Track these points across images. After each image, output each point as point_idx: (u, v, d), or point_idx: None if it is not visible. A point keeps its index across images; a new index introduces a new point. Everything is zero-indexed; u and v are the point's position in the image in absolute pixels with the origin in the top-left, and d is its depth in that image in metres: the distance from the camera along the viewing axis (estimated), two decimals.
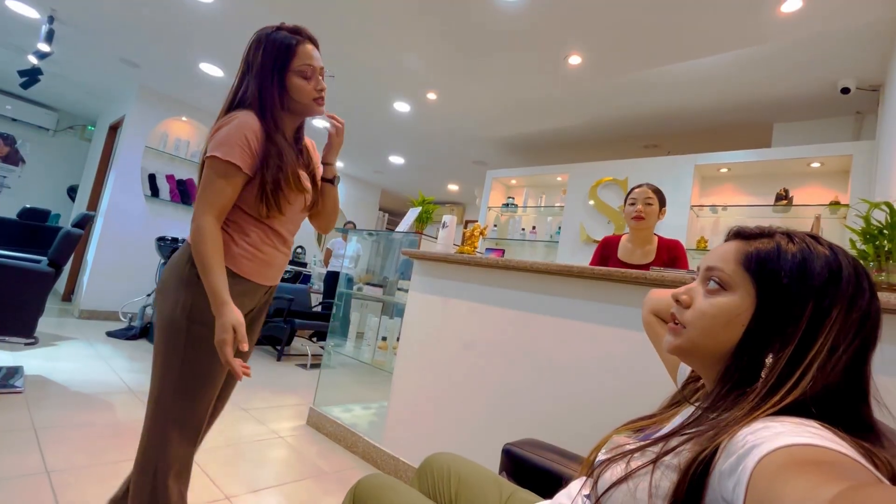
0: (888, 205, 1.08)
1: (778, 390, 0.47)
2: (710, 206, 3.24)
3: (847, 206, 2.62)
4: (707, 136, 3.60)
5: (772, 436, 0.40)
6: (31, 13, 3.29)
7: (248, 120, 0.98)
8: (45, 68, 3.86)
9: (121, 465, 1.66)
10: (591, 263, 2.04)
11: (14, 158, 5.57)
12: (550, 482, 0.98)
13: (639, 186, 1.97)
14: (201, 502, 1.53)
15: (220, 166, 0.95)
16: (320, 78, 1.08)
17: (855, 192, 2.57)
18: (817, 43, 2.34)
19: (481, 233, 2.11)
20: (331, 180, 1.17)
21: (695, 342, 0.55)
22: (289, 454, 2.06)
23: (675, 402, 0.66)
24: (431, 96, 3.66)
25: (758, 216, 3.07)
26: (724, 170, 3.24)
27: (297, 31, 1.06)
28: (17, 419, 1.93)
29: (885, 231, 1.08)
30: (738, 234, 0.59)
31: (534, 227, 4.29)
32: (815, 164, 2.89)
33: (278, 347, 4.09)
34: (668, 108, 3.28)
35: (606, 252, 2.03)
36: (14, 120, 5.49)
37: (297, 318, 4.12)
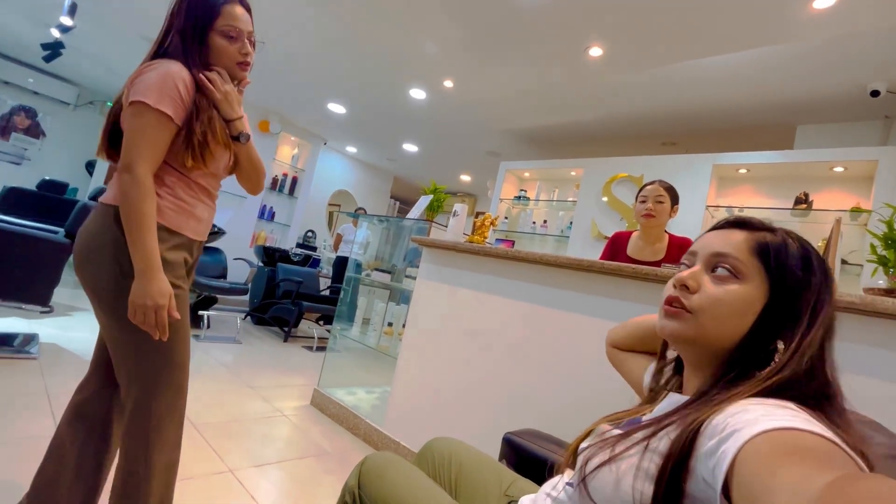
0: None
1: (775, 375, 0.49)
2: (727, 206, 3.18)
3: (869, 211, 2.56)
4: (727, 135, 3.52)
5: (753, 419, 0.41)
6: None
7: (176, 69, 0.94)
8: (67, 42, 3.90)
9: None
10: (601, 259, 2.02)
11: (35, 131, 5.66)
12: (548, 471, 0.98)
13: (651, 183, 1.93)
14: (205, 473, 1.57)
15: (151, 116, 0.90)
16: (247, 42, 1.05)
17: (878, 197, 2.50)
18: (848, 43, 2.27)
19: (492, 223, 2.10)
20: (236, 137, 1.08)
21: (705, 329, 0.54)
22: (292, 432, 2.09)
23: (652, 396, 0.67)
24: (448, 84, 3.62)
25: (775, 219, 2.96)
26: (742, 171, 3.18)
27: None
28: (31, 384, 1.98)
29: None
30: (742, 224, 0.58)
31: (545, 221, 4.26)
32: (839, 169, 2.81)
33: (286, 329, 4.14)
34: (688, 105, 3.22)
35: (616, 248, 2.01)
36: (35, 93, 5.57)
37: (305, 301, 4.16)
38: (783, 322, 0.52)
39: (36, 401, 1.83)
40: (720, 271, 0.55)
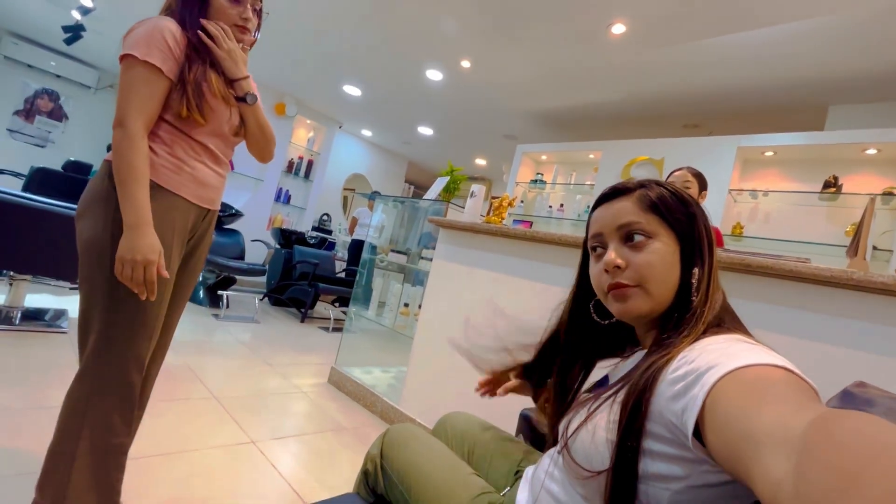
0: None
1: (706, 304, 0.54)
2: (750, 190, 3.09)
3: None
4: (753, 117, 3.41)
5: (713, 360, 0.43)
6: None
7: (166, 23, 0.93)
8: (87, 25, 3.94)
9: (151, 405, 1.77)
10: None
11: (58, 114, 5.77)
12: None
13: (678, 170, 1.91)
14: (229, 443, 1.62)
15: (140, 69, 0.89)
16: (249, 8, 1.04)
17: None
18: (890, 17, 2.15)
19: (510, 204, 2.08)
20: (243, 98, 1.06)
21: (654, 295, 0.57)
22: (310, 408, 2.14)
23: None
24: (465, 64, 3.57)
25: (802, 203, 2.93)
26: (769, 153, 3.08)
27: None
28: (62, 356, 2.06)
29: None
30: (619, 192, 0.62)
31: (561, 205, 4.21)
32: (871, 151, 2.70)
33: (302, 310, 4.20)
34: (713, 85, 3.11)
35: None
36: (58, 76, 5.66)
37: (321, 283, 4.21)
38: (695, 257, 0.58)
39: (67, 371, 1.91)
40: (636, 238, 0.58)
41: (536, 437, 1.08)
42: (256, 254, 4.95)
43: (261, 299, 4.56)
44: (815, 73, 2.73)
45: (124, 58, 0.90)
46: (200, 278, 3.82)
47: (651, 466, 0.47)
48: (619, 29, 2.68)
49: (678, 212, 0.59)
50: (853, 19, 2.21)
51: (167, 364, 2.22)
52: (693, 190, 1.85)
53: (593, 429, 0.53)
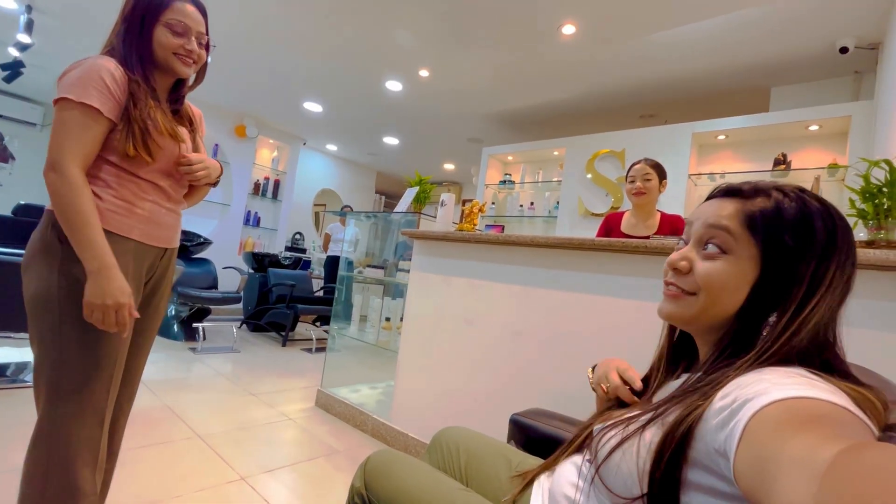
0: (888, 162, 1.08)
1: (773, 346, 0.48)
2: (709, 174, 3.22)
3: (845, 167, 2.61)
4: (704, 103, 3.55)
5: (764, 389, 0.40)
6: (9, 3, 3.20)
7: (103, 62, 0.90)
8: (27, 60, 3.77)
9: (129, 452, 1.70)
10: None
11: (3, 155, 5.49)
12: (557, 448, 1.00)
13: (637, 163, 1.96)
14: (217, 483, 1.57)
15: (75, 111, 0.86)
16: (194, 40, 1.01)
17: (854, 152, 2.55)
18: (815, 1, 2.29)
19: (480, 210, 2.10)
20: (215, 184, 1.17)
21: (703, 309, 0.54)
22: (299, 435, 2.10)
23: (657, 385, 0.66)
24: (424, 73, 3.59)
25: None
26: (721, 137, 3.22)
27: None
28: (26, 413, 1.94)
29: (884, 189, 1.08)
30: (733, 192, 0.56)
31: (532, 203, 4.27)
32: (814, 127, 2.86)
33: (283, 333, 4.12)
34: (663, 76, 3.23)
35: (609, 227, 2.05)
36: (0, 116, 5.39)
37: (299, 304, 4.14)
38: (778, 294, 0.50)
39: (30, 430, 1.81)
40: (710, 248, 0.54)
41: (528, 441, 1.10)
42: (230, 281, 4.83)
43: (239, 327, 4.44)
44: (755, 58, 2.88)
45: (58, 101, 0.87)
46: (173, 312, 3.70)
47: (694, 499, 0.45)
48: (569, 29, 2.75)
49: (783, 239, 0.50)
50: (787, 5, 2.34)
51: (144, 407, 2.14)
52: (653, 181, 1.91)
53: (627, 452, 0.51)
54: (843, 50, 2.56)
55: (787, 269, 0.50)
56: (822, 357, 0.49)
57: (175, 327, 3.68)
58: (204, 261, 4.18)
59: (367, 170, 7.39)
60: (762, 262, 0.51)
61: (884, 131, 2.04)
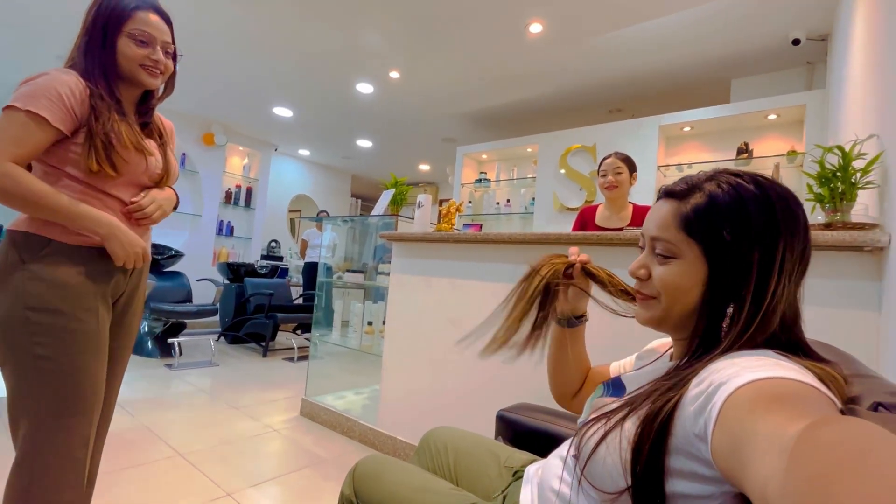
0: (840, 148, 1.13)
1: (742, 338, 0.50)
2: (676, 164, 3.32)
3: (803, 153, 2.74)
4: (669, 96, 3.66)
5: (736, 372, 0.42)
6: None
7: (61, 76, 0.89)
8: None
9: (107, 476, 1.64)
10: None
11: None
12: (544, 441, 1.02)
13: (608, 157, 2.01)
14: (203, 501, 1.53)
15: (18, 115, 0.84)
16: (159, 49, 0.99)
17: (810, 139, 2.67)
18: None
19: (457, 209, 2.11)
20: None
21: (666, 310, 0.57)
22: (285, 446, 2.07)
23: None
24: (394, 75, 3.58)
25: None
26: (687, 128, 3.32)
27: (141, 0, 0.97)
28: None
29: (838, 173, 1.14)
30: (669, 194, 0.58)
31: (508, 200, 4.32)
32: (772, 116, 2.98)
33: (263, 343, 4.04)
34: (629, 71, 3.31)
35: (584, 220, 2.10)
36: None
37: (279, 313, 4.07)
38: (732, 285, 0.52)
39: (3, 460, 1.73)
40: (662, 254, 0.57)
41: (515, 436, 1.11)
42: (205, 293, 4.70)
43: (216, 340, 4.34)
44: (715, 52, 2.98)
45: (5, 109, 0.85)
46: (146, 328, 3.58)
47: (679, 486, 0.47)
48: (536, 28, 2.79)
49: (720, 233, 0.51)
50: (729, 2, 2.44)
51: (121, 429, 2.07)
52: (624, 175, 1.96)
53: (608, 447, 0.52)
54: (796, 42, 2.67)
55: (734, 261, 0.51)
56: (788, 337, 0.52)
57: (149, 344, 3.56)
58: (176, 274, 4.06)
59: (342, 173, 7.31)
60: (707, 259, 0.52)
61: (836, 118, 2.15)
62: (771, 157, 2.96)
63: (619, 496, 0.50)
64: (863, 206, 1.16)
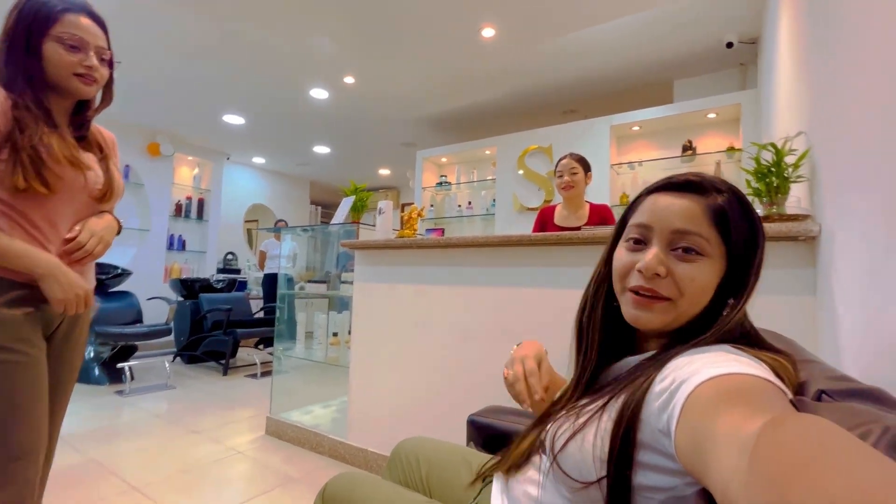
0: (773, 145, 1.22)
1: (720, 332, 0.52)
2: (628, 163, 3.46)
3: (741, 150, 2.92)
4: (619, 97, 3.81)
5: (696, 369, 0.44)
6: None
7: None
8: None
9: None
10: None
11: None
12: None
13: (563, 158, 2.07)
14: None
15: None
16: (92, 55, 0.91)
17: (746, 136, 2.86)
18: (702, 1, 2.54)
19: (419, 214, 2.11)
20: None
21: (683, 312, 0.54)
22: (252, 468, 1.98)
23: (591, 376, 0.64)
24: (349, 80, 3.53)
25: (669, 167, 3.34)
26: (636, 128, 3.47)
27: (71, 2, 0.90)
28: None
29: (772, 169, 1.22)
30: (694, 187, 0.55)
31: (469, 203, 4.35)
32: (711, 115, 3.17)
33: (222, 361, 3.87)
34: (580, 73, 3.42)
35: (544, 220, 2.14)
36: None
37: (238, 328, 3.91)
38: (736, 283, 0.53)
39: None
40: (687, 251, 0.53)
41: (486, 440, 1.12)
42: (156, 312, 4.45)
43: (172, 361, 4.11)
44: (658, 55, 3.13)
45: None
46: (92, 354, 3.34)
47: (643, 478, 0.48)
48: (489, 33, 2.83)
49: (744, 236, 0.53)
50: (678, 5, 2.57)
51: (67, 466, 1.91)
52: (580, 175, 2.02)
53: (582, 440, 0.52)
54: (729, 45, 2.85)
55: (747, 261, 0.53)
56: (742, 330, 0.54)
57: (96, 370, 3.32)
58: (124, 294, 3.82)
59: (300, 181, 7.13)
60: (728, 259, 0.53)
61: (767, 117, 2.31)
62: (713, 153, 3.14)
63: (588, 487, 0.51)
64: (795, 198, 1.25)
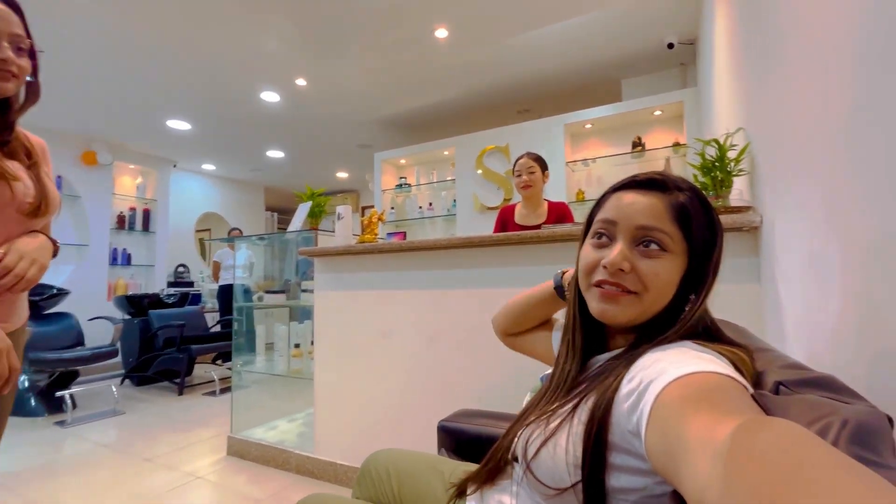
0: (716, 141, 1.28)
1: (685, 328, 0.53)
2: (582, 160, 3.56)
3: (686, 145, 3.07)
4: (570, 97, 3.91)
5: (663, 368, 0.45)
6: None
7: None
8: None
9: None
10: (494, 232, 2.14)
11: None
12: (487, 447, 1.02)
13: (521, 157, 2.09)
14: None
15: None
16: (6, 45, 0.81)
17: (690, 132, 3.01)
18: (645, 3, 2.64)
19: (379, 218, 2.07)
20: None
21: (648, 307, 0.55)
22: (213, 493, 1.88)
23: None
24: (301, 82, 3.43)
25: (620, 163, 3.46)
26: (588, 126, 3.57)
27: None
28: None
29: (717, 164, 1.28)
30: (657, 185, 0.56)
31: (430, 204, 4.34)
32: (658, 112, 3.31)
33: (177, 381, 3.66)
34: (533, 73, 3.48)
35: (505, 219, 2.16)
36: None
37: (193, 344, 3.71)
38: (697, 279, 0.55)
39: None
40: (651, 246, 0.54)
41: (458, 445, 1.11)
42: (100, 333, 4.14)
43: (121, 384, 3.85)
44: (605, 55, 3.24)
45: None
46: (26, 384, 3.06)
47: (615, 480, 0.48)
48: (442, 33, 2.83)
49: (704, 233, 0.55)
50: (622, 7, 2.67)
51: None
52: (537, 174, 2.05)
53: (554, 447, 0.52)
54: (670, 45, 2.98)
55: (707, 257, 0.55)
56: (703, 325, 0.56)
57: (32, 401, 3.05)
58: (61, 315, 3.52)
59: (254, 187, 6.87)
60: (689, 255, 0.55)
61: (709, 114, 2.44)
62: (661, 149, 3.29)
63: (562, 493, 0.51)
64: (738, 191, 1.32)
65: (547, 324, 0.89)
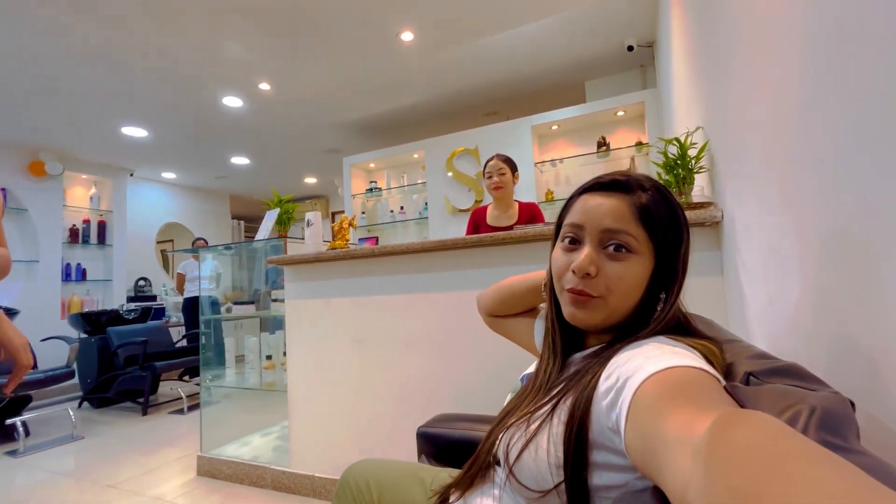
0: (677, 140, 1.32)
1: (660, 325, 0.54)
2: (550, 161, 3.62)
3: (648, 144, 3.17)
4: (536, 98, 3.97)
5: (639, 364, 0.45)
6: None
7: None
8: None
9: None
10: (467, 234, 2.14)
11: None
12: (468, 451, 1.01)
13: (491, 159, 2.11)
14: None
15: None
16: None
17: (651, 132, 3.11)
18: (603, 6, 2.72)
19: (350, 224, 2.04)
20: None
21: (613, 310, 0.56)
22: None
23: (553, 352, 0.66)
24: (265, 86, 3.34)
25: (587, 163, 3.54)
26: (554, 127, 3.64)
27: None
28: None
29: (678, 161, 1.32)
30: (620, 186, 0.57)
31: (402, 208, 4.31)
32: (620, 113, 3.41)
33: (140, 400, 3.49)
34: (498, 76, 3.52)
35: (477, 221, 2.17)
36: None
37: (158, 361, 3.55)
38: (666, 279, 0.56)
39: None
40: (617, 249, 0.55)
41: (438, 451, 1.09)
42: (54, 354, 3.89)
43: (78, 407, 3.64)
44: (568, 57, 3.31)
45: None
46: None
47: (597, 479, 0.48)
48: (407, 36, 2.82)
49: (669, 231, 0.55)
50: (572, 14, 2.74)
51: None
52: (507, 175, 2.07)
53: (535, 449, 0.52)
54: (630, 48, 3.09)
55: (672, 258, 0.56)
56: (677, 320, 0.57)
57: None
58: None
59: (218, 195, 6.64)
60: (655, 255, 0.55)
61: (669, 113, 2.52)
62: (625, 148, 3.38)
63: (546, 495, 0.51)
64: (699, 187, 1.37)
65: (533, 311, 0.89)
